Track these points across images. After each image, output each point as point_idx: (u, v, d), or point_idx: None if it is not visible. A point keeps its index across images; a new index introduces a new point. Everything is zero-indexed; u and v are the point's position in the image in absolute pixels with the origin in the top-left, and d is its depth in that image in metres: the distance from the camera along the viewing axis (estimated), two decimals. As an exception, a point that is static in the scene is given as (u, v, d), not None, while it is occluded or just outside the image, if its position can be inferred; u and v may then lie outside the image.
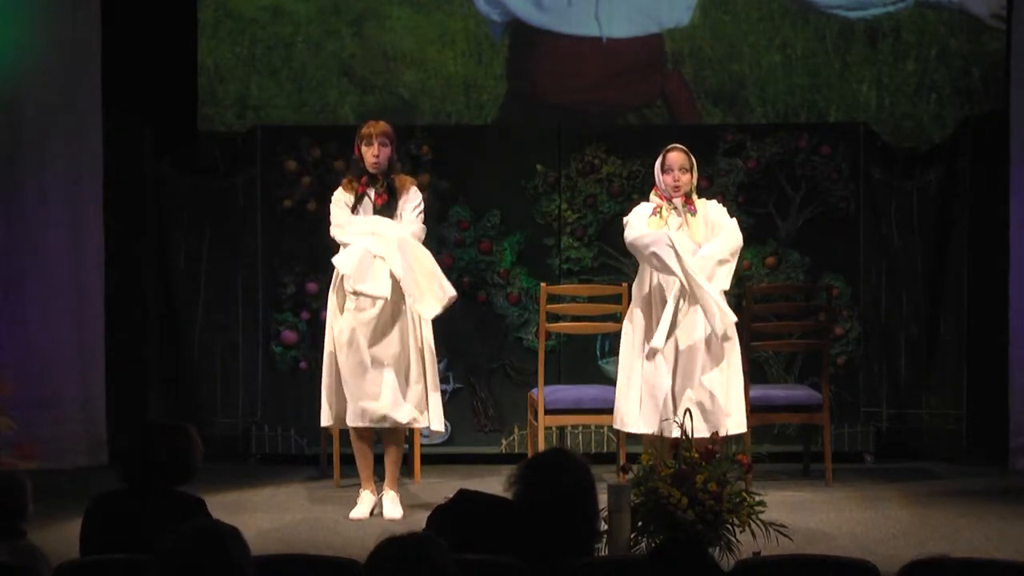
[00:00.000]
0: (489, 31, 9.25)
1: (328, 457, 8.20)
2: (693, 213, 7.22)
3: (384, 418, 7.11)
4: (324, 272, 7.65)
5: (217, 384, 8.88)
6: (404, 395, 7.12)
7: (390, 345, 7.11)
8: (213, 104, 9.20)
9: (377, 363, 7.09)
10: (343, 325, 7.13)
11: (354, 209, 7.21)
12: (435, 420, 7.23)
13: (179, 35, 9.12)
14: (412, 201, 7.24)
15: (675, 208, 7.21)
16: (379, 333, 7.10)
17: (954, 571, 3.42)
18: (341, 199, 7.25)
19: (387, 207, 7.18)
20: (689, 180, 7.23)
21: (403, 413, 7.11)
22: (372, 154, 7.16)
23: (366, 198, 7.19)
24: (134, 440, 4.64)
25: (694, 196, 7.26)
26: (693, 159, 7.26)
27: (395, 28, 9.24)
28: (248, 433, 8.78)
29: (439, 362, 8.59)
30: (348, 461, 7.63)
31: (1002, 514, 7.13)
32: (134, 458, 4.59)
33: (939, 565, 3.37)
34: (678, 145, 7.28)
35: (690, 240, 7.16)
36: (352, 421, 7.15)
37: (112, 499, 4.59)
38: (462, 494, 4.39)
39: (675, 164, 7.23)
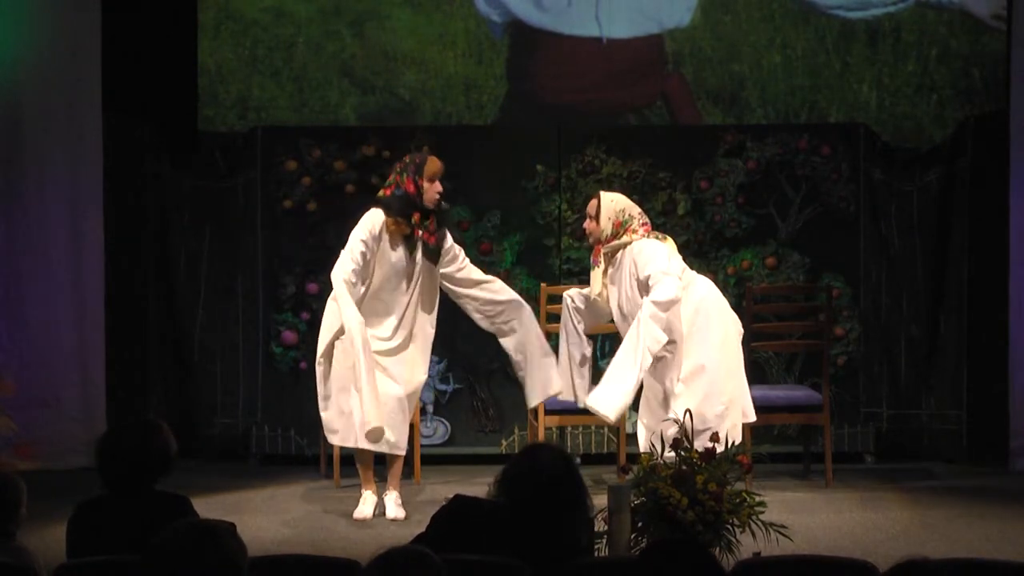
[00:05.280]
0: (489, 31, 9.25)
1: (328, 457, 8.20)
2: (595, 266, 7.18)
3: (397, 445, 7.13)
4: (324, 272, 7.64)
5: (217, 384, 8.89)
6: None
7: (405, 371, 7.17)
8: (214, 105, 9.20)
9: (398, 388, 7.12)
10: (358, 344, 7.05)
11: (409, 245, 7.10)
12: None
13: (179, 35, 9.12)
14: (454, 246, 7.27)
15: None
16: (400, 359, 7.16)
17: (945, 572, 3.40)
18: (370, 234, 7.03)
19: (435, 245, 7.13)
20: (595, 228, 7.14)
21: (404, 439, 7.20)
22: (437, 190, 7.09)
23: (416, 238, 7.09)
24: (107, 444, 4.60)
25: (601, 247, 7.13)
26: (608, 204, 7.13)
27: (395, 29, 9.24)
28: (248, 433, 8.77)
29: (439, 362, 8.62)
30: (348, 461, 7.63)
31: (1002, 514, 7.13)
32: (112, 461, 4.56)
33: (924, 567, 3.36)
34: (601, 191, 7.31)
35: (578, 294, 7.23)
36: (363, 444, 7.05)
37: (95, 505, 4.56)
38: (458, 499, 4.37)
39: (585, 212, 7.29)
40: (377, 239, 7.04)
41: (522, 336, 7.32)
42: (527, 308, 7.39)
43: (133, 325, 8.85)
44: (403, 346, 7.19)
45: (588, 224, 7.20)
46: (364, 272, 7.04)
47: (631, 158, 8.73)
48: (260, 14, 9.23)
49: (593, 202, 7.21)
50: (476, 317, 7.40)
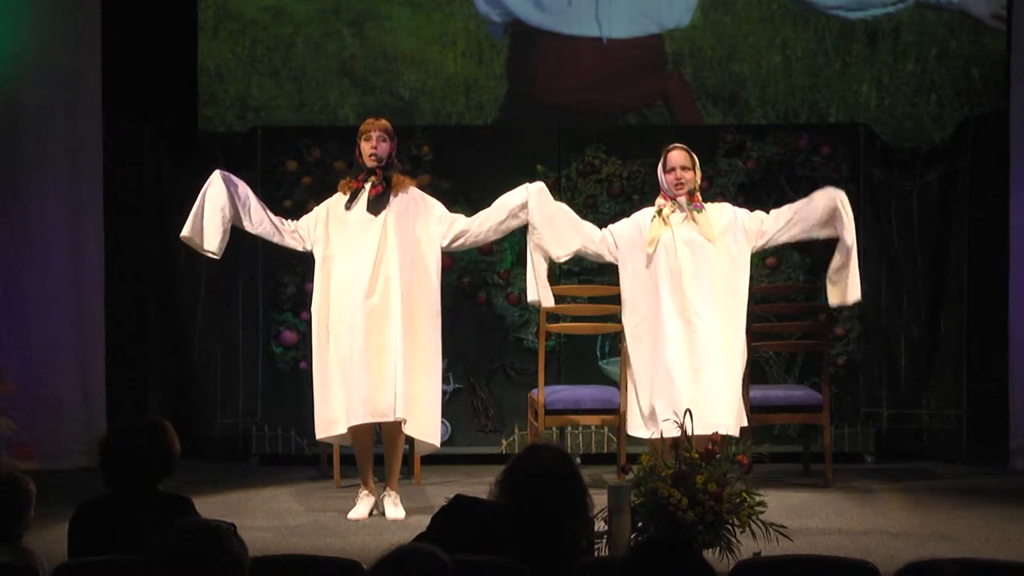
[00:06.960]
0: (489, 31, 9.25)
1: (328, 457, 8.21)
2: (699, 210, 7.19)
3: (394, 410, 7.02)
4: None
5: (217, 384, 8.89)
6: (407, 391, 7.03)
7: (391, 335, 7.05)
8: (214, 104, 9.20)
9: (381, 352, 7.03)
10: (336, 318, 7.08)
11: (349, 205, 7.19)
12: (433, 432, 7.22)
13: (179, 35, 9.13)
14: (434, 207, 7.25)
15: (679, 206, 7.18)
16: (380, 321, 7.05)
17: (951, 573, 3.41)
18: (317, 212, 7.26)
19: (380, 197, 7.14)
20: (692, 178, 7.21)
21: (402, 410, 7.03)
22: (370, 146, 7.16)
23: (361, 191, 7.19)
24: (111, 444, 4.60)
25: (698, 194, 7.23)
26: (695, 157, 7.25)
27: (395, 28, 9.24)
28: (248, 433, 8.78)
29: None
30: (348, 461, 7.63)
31: (1002, 514, 7.13)
32: (115, 461, 4.56)
33: (935, 568, 3.36)
34: (679, 144, 7.28)
35: (698, 235, 7.14)
36: (353, 419, 7.03)
37: (97, 505, 4.56)
38: (458, 499, 4.37)
39: (677, 163, 7.22)
40: (317, 215, 7.24)
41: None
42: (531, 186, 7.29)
43: (133, 325, 8.85)
44: (386, 303, 7.06)
45: (688, 174, 7.21)
46: (306, 234, 7.24)
47: (631, 158, 8.73)
48: (259, 14, 9.23)
49: (685, 154, 7.22)
50: (506, 225, 7.29)
